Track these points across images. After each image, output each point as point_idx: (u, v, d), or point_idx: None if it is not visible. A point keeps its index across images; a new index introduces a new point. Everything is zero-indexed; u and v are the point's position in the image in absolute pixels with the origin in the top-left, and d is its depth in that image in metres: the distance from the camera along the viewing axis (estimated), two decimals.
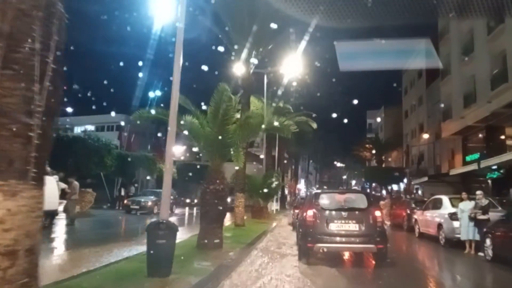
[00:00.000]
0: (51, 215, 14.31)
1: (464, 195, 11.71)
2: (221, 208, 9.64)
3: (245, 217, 18.30)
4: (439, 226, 12.92)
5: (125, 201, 23.02)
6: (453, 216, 12.15)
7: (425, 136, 34.39)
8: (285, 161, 39.13)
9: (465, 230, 11.35)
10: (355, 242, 8.37)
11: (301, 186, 68.36)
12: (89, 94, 43.68)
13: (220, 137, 9.50)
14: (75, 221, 15.33)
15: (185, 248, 9.45)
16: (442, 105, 32.00)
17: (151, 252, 6.49)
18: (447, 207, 12.90)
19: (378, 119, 55.93)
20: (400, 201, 21.66)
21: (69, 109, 40.55)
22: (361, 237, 8.33)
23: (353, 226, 8.34)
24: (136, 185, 27.40)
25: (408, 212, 17.84)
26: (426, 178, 28.79)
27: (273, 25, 13.87)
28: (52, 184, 14.54)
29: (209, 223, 9.51)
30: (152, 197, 23.76)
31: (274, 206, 28.20)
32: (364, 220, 8.39)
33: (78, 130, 47.94)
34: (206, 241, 9.39)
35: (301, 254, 9.11)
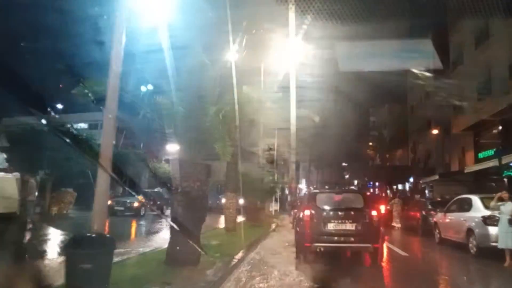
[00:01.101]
0: (8, 219, 12.00)
1: (504, 194, 9.37)
2: (197, 212, 7.36)
3: (238, 220, 16.04)
4: (469, 231, 10.55)
5: (109, 202, 20.73)
6: (487, 220, 9.81)
7: (434, 131, 31.97)
8: (285, 158, 36.58)
9: (504, 237, 9.03)
10: (352, 241, 8.30)
11: (302, 185, 65.90)
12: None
13: (195, 120, 7.21)
14: (36, 226, 13.06)
15: (151, 265, 7.18)
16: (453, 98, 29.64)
17: (72, 282, 4.20)
18: (479, 209, 10.54)
19: (382, 116, 53.57)
20: (413, 201, 19.28)
21: (59, 106, 38.34)
22: (358, 237, 8.26)
23: (349, 226, 8.28)
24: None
25: (424, 213, 15.48)
26: (436, 177, 26.41)
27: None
28: (9, 183, 12.26)
29: (181, 232, 7.21)
30: (139, 197, 21.43)
31: (273, 206, 25.83)
32: (360, 220, 8.32)
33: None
34: (177, 255, 7.09)
35: (298, 253, 9.02)
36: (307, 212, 8.59)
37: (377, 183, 49.07)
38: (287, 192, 46.37)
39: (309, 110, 22.91)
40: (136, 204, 20.30)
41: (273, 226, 18.20)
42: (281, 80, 20.61)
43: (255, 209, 17.90)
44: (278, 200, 35.15)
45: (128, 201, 20.51)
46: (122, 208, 20.20)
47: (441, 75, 34.59)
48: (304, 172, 69.63)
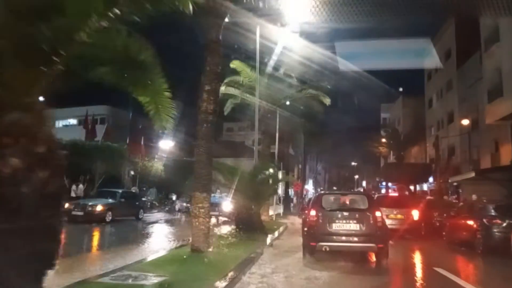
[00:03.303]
0: None
1: None
2: (23, 244, 2.50)
3: (225, 230, 11.32)
4: None
5: (66, 205, 16.09)
6: None
7: (465, 122, 26.82)
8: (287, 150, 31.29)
9: None
10: (356, 241, 8.19)
11: (309, 186, 60.93)
12: (69, 84, 37.09)
13: None
14: None
15: None
16: (486, 83, 24.51)
17: None
18: None
19: (395, 112, 48.46)
20: (463, 204, 14.22)
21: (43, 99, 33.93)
22: (362, 237, 8.16)
23: (354, 226, 8.21)
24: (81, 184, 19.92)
25: (486, 223, 10.48)
26: (472, 174, 21.21)
27: None
28: None
29: None
30: (106, 199, 16.72)
31: (274, 210, 20.89)
32: (365, 220, 8.21)
33: (59, 124, 41.54)
34: None
35: (305, 252, 8.84)
36: (313, 213, 8.64)
37: (390, 184, 43.83)
38: (292, 193, 41.42)
39: (318, 91, 18.00)
40: (99, 208, 15.57)
41: (276, 234, 13.32)
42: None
43: (248, 214, 13.00)
44: (282, 202, 30.23)
45: (89, 204, 15.78)
46: (81, 213, 15.45)
47: (468, 59, 29.57)
48: (311, 173, 64.74)
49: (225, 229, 13.34)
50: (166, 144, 35.36)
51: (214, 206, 16.38)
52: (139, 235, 12.60)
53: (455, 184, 29.51)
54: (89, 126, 24.55)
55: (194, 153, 8.52)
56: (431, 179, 35.24)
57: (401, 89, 46.71)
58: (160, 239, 11.98)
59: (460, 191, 28.98)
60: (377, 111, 56.54)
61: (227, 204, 16.61)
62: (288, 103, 19.22)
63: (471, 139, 28.96)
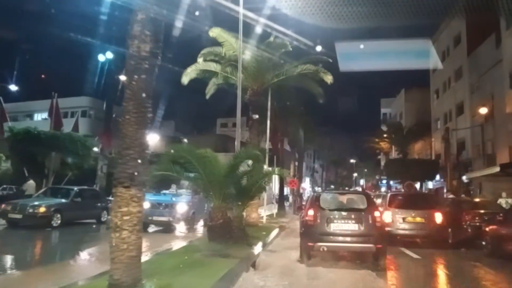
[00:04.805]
0: None
1: None
2: None
3: (174, 247, 7.96)
4: None
5: (3, 206, 12.67)
6: None
7: (482, 110, 23.45)
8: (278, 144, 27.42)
9: None
10: (355, 241, 7.94)
11: (306, 185, 57.51)
12: (47, 76, 33.78)
13: None
14: None
15: None
16: (507, 66, 21.19)
17: None
18: None
19: (397, 106, 45.11)
20: None
21: (16, 88, 30.30)
22: (361, 237, 7.92)
23: (352, 226, 7.93)
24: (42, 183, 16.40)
25: None
26: (497, 169, 17.88)
27: None
28: None
29: None
30: (56, 198, 13.29)
31: (265, 210, 17.43)
32: (364, 220, 7.92)
33: (38, 117, 38.13)
34: None
35: (302, 253, 8.46)
36: (310, 212, 8.20)
37: (391, 182, 40.52)
38: (288, 191, 37.94)
39: (318, 67, 14.58)
40: (42, 210, 12.13)
41: (264, 243, 9.95)
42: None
43: (224, 218, 9.56)
44: (276, 200, 26.84)
45: (30, 205, 12.31)
46: (19, 216, 12.00)
47: (481, 43, 26.23)
48: (308, 170, 61.39)
49: (183, 242, 9.94)
50: (151, 138, 31.91)
51: (164, 207, 12.57)
52: (77, 248, 9.13)
53: (466, 181, 26.31)
54: (53, 115, 21.09)
55: (121, 130, 5.07)
56: (437, 177, 32.04)
57: (402, 91, 43.64)
58: (100, 255, 8.48)
59: (472, 188, 25.82)
60: (377, 108, 53.47)
61: (183, 206, 12.85)
62: (281, 84, 15.83)
63: (484, 131, 25.72)
